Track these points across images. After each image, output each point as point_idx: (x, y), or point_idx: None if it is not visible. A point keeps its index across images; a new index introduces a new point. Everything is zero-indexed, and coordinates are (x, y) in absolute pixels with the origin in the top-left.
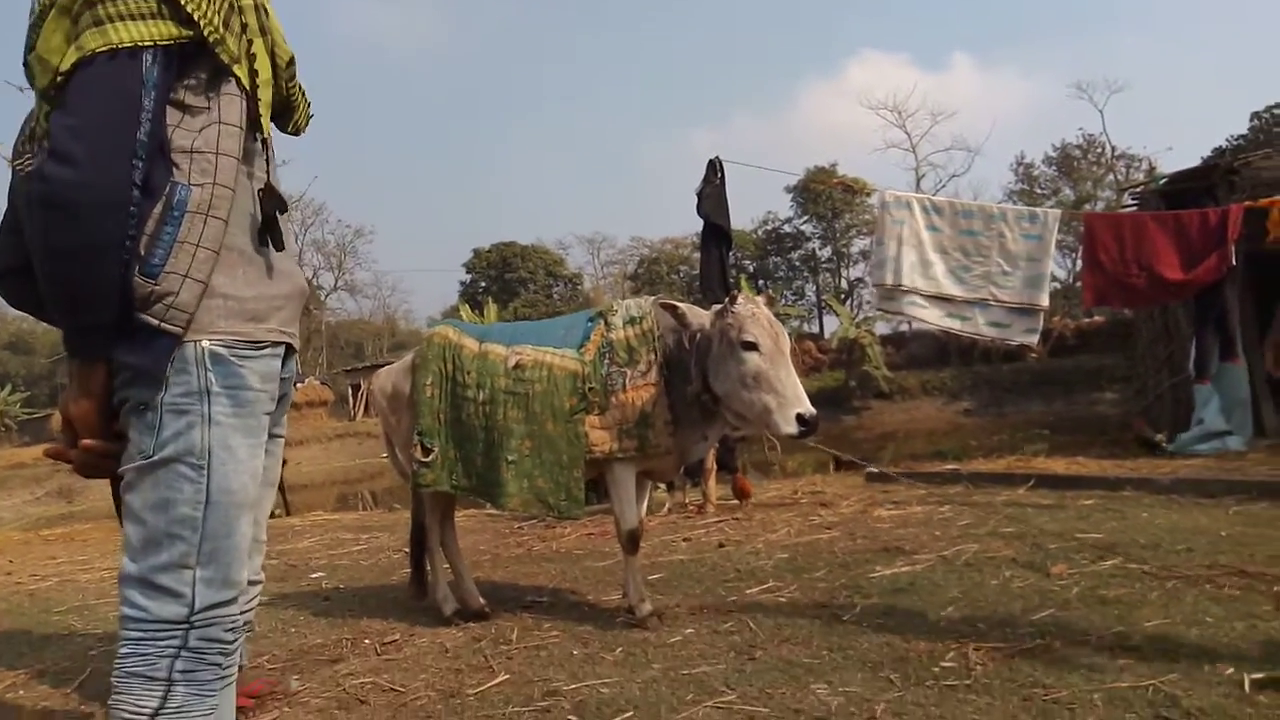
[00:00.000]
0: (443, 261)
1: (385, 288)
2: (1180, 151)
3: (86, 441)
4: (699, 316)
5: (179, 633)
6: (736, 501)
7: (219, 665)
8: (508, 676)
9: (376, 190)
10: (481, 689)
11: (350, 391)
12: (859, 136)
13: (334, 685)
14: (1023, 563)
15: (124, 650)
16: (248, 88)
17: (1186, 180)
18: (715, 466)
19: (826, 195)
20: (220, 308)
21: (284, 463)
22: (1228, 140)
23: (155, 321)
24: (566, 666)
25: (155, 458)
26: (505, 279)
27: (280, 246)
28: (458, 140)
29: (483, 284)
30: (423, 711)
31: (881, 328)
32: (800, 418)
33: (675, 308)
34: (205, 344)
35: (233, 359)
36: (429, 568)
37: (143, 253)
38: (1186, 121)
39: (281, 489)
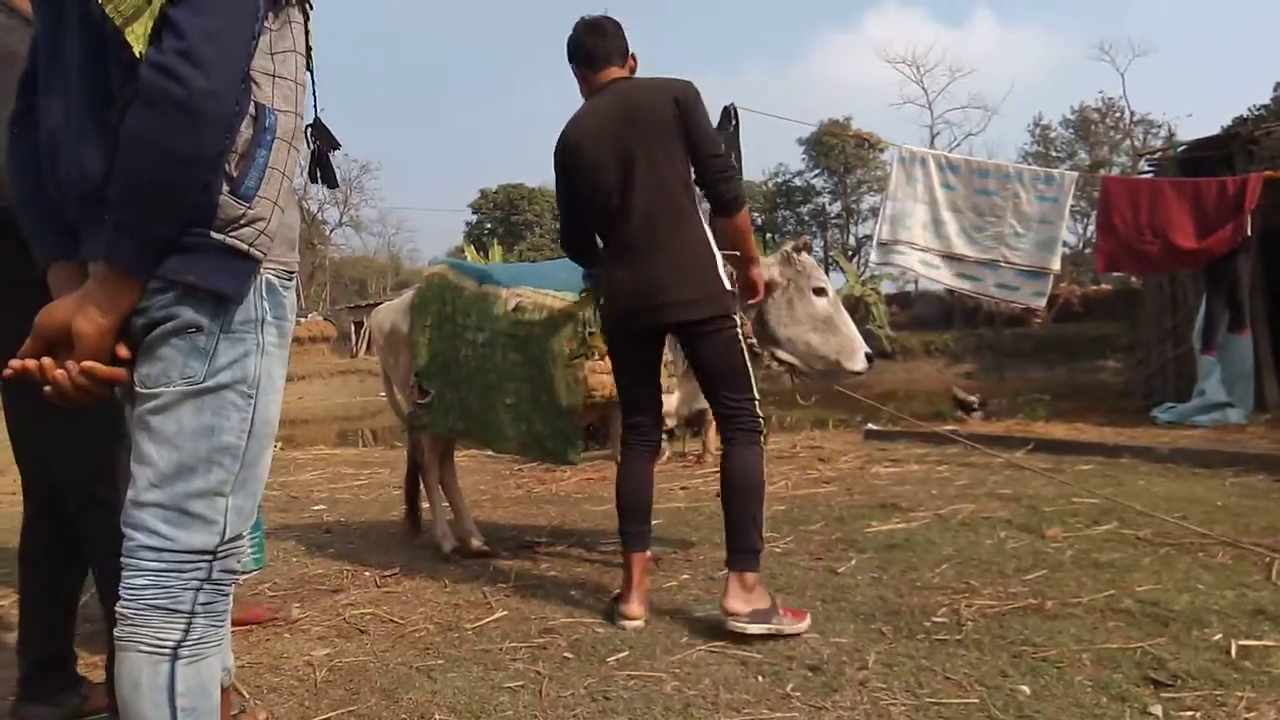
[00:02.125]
0: (449, 201)
1: (390, 225)
2: (1200, 119)
3: (90, 363)
4: (768, 268)
5: (205, 564)
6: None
7: (230, 596)
8: (505, 613)
9: (384, 125)
10: (479, 624)
11: (353, 328)
12: (874, 91)
13: (334, 614)
14: (1018, 524)
15: (140, 581)
16: (309, 13)
17: (1205, 148)
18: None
19: (839, 149)
20: (270, 246)
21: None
22: (1250, 109)
23: (244, 246)
24: (563, 606)
25: (207, 383)
26: (511, 221)
27: (334, 184)
28: (467, 77)
29: (488, 225)
30: (421, 643)
31: (888, 286)
32: (867, 355)
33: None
34: (264, 273)
35: (280, 289)
36: (425, 505)
37: (234, 173)
38: (1209, 89)
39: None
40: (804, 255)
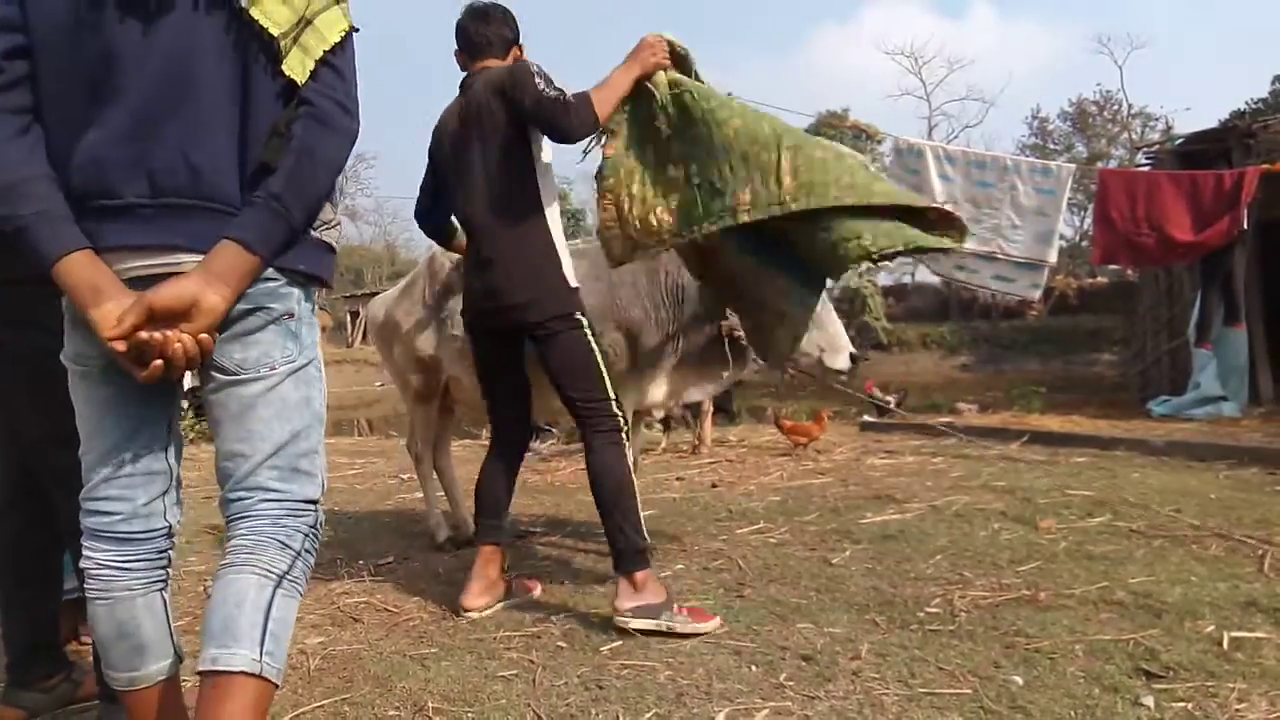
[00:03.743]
0: None
1: (386, 214)
2: (1198, 112)
3: (205, 337)
4: None
5: (313, 511)
6: (798, 443)
7: (316, 553)
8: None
9: (380, 115)
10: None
11: (349, 318)
12: (872, 82)
13: (329, 603)
14: (1012, 516)
15: (260, 523)
16: None
17: (1202, 141)
18: (712, 409)
19: (837, 140)
20: None
21: None
22: (1247, 103)
23: (332, 240)
24: (557, 595)
25: (300, 362)
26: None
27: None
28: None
29: None
30: (415, 631)
31: (884, 278)
32: (850, 355)
33: None
34: None
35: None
36: (428, 495)
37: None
38: (1207, 82)
39: None
40: None
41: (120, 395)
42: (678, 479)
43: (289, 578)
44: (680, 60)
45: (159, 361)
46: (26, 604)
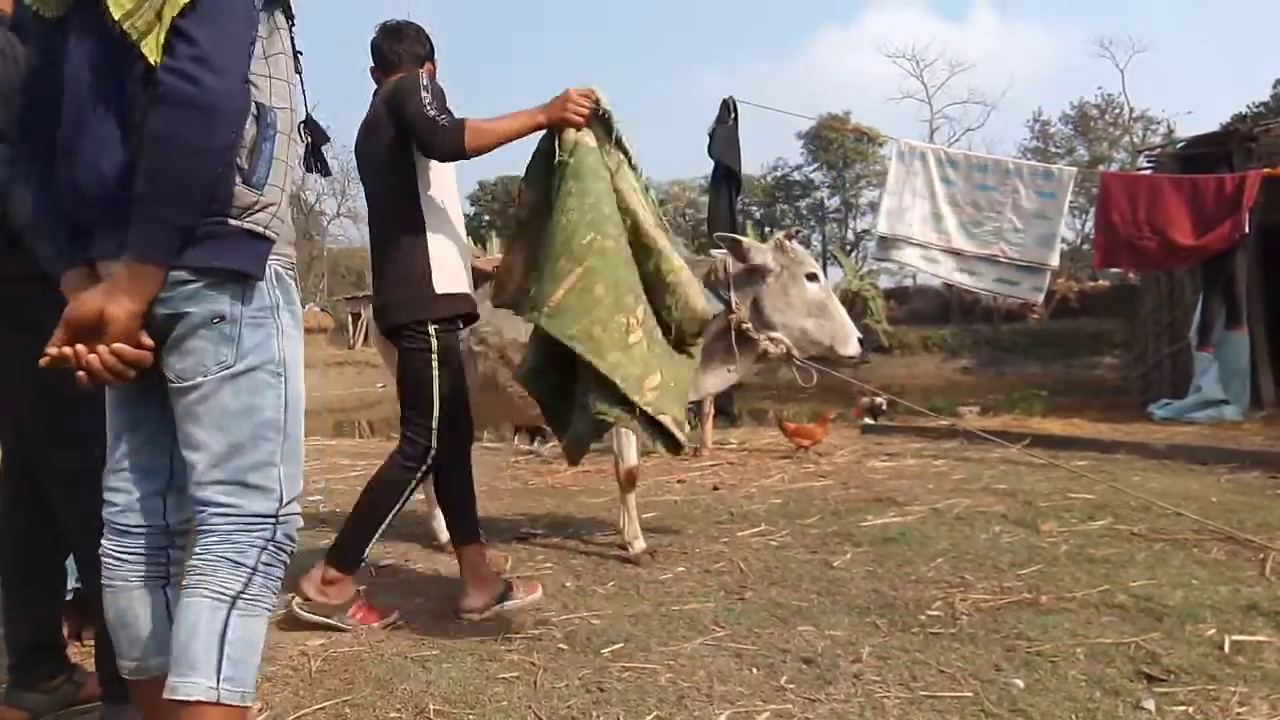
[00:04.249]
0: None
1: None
2: (1200, 116)
3: (120, 346)
4: (763, 253)
5: (269, 526)
6: (801, 446)
7: (286, 565)
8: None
9: None
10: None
11: (350, 320)
12: (873, 86)
13: None
14: (1013, 519)
15: (210, 539)
16: (291, 19)
17: (1204, 145)
18: (713, 411)
19: (838, 144)
20: (283, 230)
21: None
22: (1249, 107)
23: (260, 228)
24: (558, 598)
25: (239, 367)
26: (509, 213)
27: (328, 173)
28: (463, 69)
29: (486, 217)
30: (417, 634)
31: (885, 281)
32: (859, 340)
33: (739, 242)
34: (271, 264)
35: (288, 278)
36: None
37: (245, 165)
38: (1208, 86)
39: None
40: (794, 243)
41: (119, 395)
42: (679, 481)
43: (245, 597)
44: (601, 122)
45: (81, 373)
46: (28, 605)
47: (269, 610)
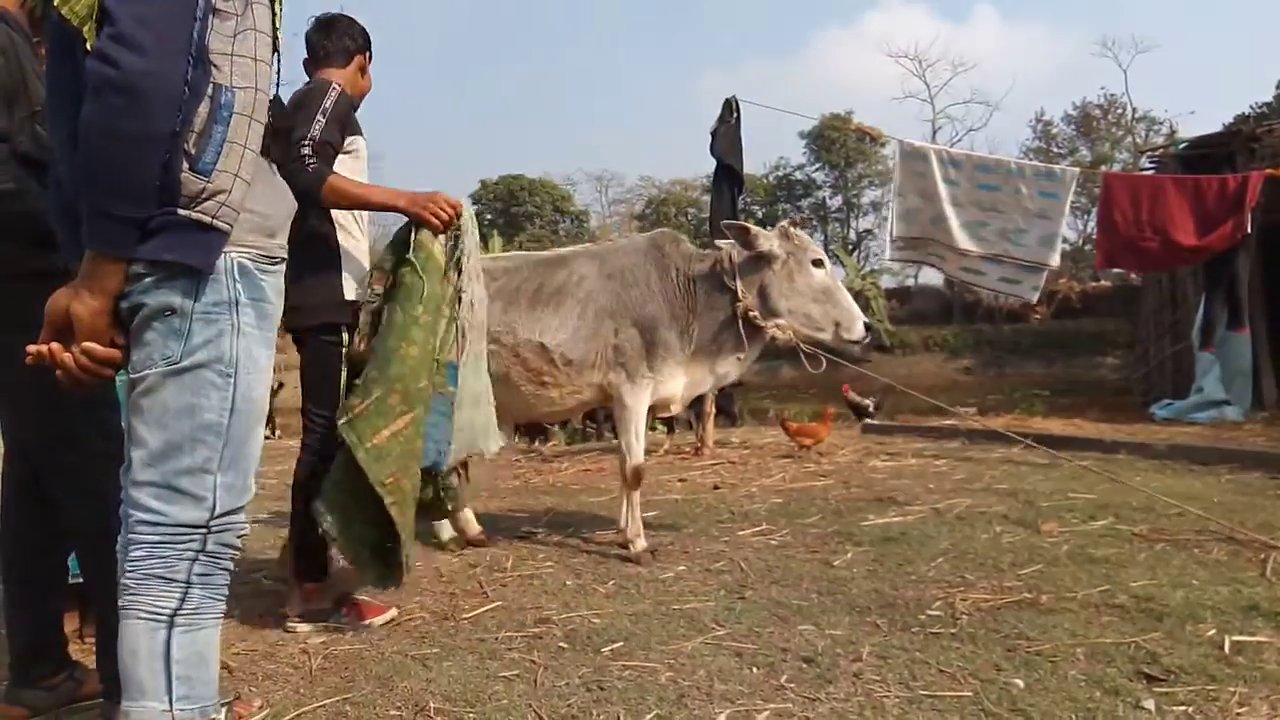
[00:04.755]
0: (449, 191)
1: (391, 215)
2: (1202, 116)
3: (90, 345)
4: (769, 240)
5: (198, 536)
6: (804, 445)
7: (230, 570)
8: (501, 603)
9: (385, 116)
10: (475, 613)
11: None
12: (876, 85)
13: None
14: (1014, 519)
15: (138, 553)
16: None
17: (1207, 145)
18: (714, 410)
19: (840, 143)
20: (246, 221)
21: (281, 385)
22: (1252, 107)
23: (208, 218)
24: (559, 596)
25: (184, 364)
26: (511, 212)
27: (280, 161)
28: (468, 68)
29: (488, 216)
30: (417, 632)
31: (887, 281)
32: (865, 324)
33: (746, 229)
34: (234, 256)
35: (256, 272)
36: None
37: (193, 150)
38: (1211, 86)
39: (271, 413)
40: (798, 230)
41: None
42: (680, 480)
43: (183, 613)
44: (453, 239)
45: (58, 372)
46: (30, 602)
47: (218, 617)
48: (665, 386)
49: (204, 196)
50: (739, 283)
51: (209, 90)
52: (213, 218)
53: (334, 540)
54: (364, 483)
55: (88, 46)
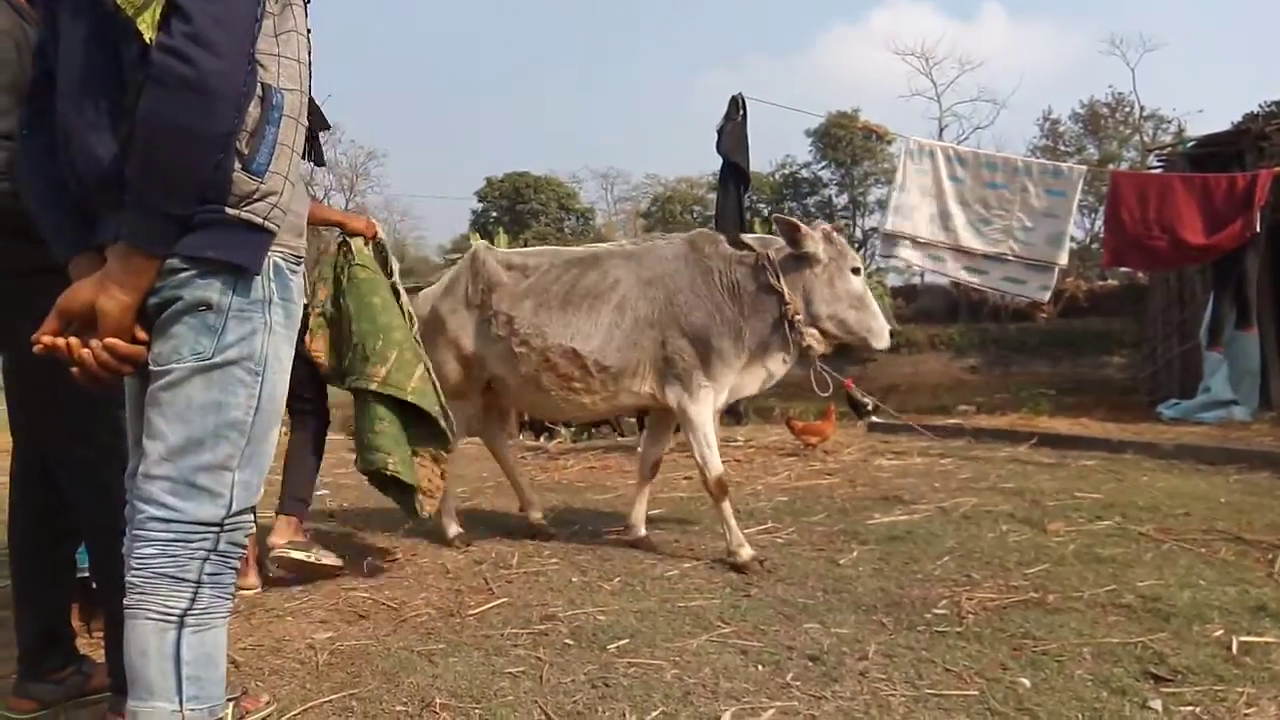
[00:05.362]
0: (455, 188)
1: (396, 212)
2: (1211, 115)
3: (114, 341)
4: (816, 241)
5: (212, 535)
6: (809, 444)
7: (236, 569)
8: (506, 599)
9: (391, 112)
10: (480, 610)
11: None
12: (882, 83)
13: (336, 598)
14: (1020, 518)
15: (148, 551)
16: None
17: (1214, 144)
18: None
19: (846, 141)
20: (283, 221)
21: None
22: (1260, 105)
23: (259, 219)
24: (565, 593)
25: (215, 360)
26: (517, 209)
27: (321, 162)
28: (474, 66)
29: (494, 213)
30: (423, 628)
31: (893, 279)
32: (891, 333)
33: (797, 227)
34: (271, 255)
35: (288, 271)
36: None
37: (245, 151)
38: (1220, 84)
39: None
40: (839, 236)
41: (136, 384)
42: (685, 478)
43: (192, 613)
44: (378, 249)
45: (74, 368)
46: (38, 596)
47: (225, 617)
48: (729, 392)
49: (256, 197)
50: (784, 283)
51: (259, 90)
52: (264, 219)
53: (397, 470)
54: (412, 416)
55: (146, 39)
